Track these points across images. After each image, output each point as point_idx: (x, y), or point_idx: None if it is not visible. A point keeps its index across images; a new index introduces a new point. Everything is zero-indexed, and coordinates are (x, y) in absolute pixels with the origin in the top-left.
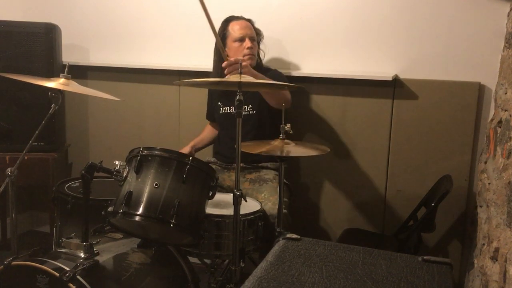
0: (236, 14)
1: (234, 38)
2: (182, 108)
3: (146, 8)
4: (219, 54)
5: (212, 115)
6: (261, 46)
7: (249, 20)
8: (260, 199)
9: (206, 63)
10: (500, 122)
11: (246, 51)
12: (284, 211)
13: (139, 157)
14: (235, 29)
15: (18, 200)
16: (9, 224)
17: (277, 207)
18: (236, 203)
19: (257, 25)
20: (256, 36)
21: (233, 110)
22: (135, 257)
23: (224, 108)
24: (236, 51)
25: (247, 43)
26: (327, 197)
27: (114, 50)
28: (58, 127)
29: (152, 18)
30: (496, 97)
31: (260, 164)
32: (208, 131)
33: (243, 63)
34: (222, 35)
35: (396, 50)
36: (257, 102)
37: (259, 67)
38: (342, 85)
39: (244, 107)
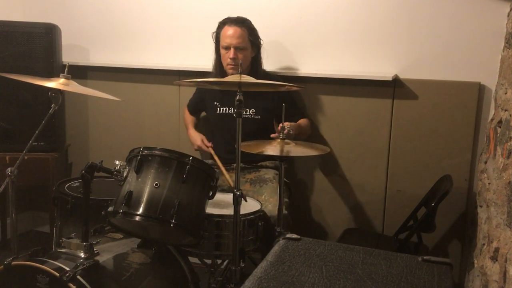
0: (235, 14)
1: (222, 45)
2: (182, 108)
3: (146, 8)
4: (219, 52)
5: (197, 111)
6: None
7: (244, 22)
8: (261, 201)
9: (206, 63)
10: (500, 122)
11: (228, 61)
12: (285, 212)
13: (139, 157)
14: (224, 36)
15: (18, 200)
16: (9, 224)
17: (277, 208)
18: (236, 203)
19: (256, 26)
20: (249, 44)
21: (232, 111)
22: (135, 257)
23: (222, 109)
24: (223, 58)
25: (230, 53)
26: (327, 197)
27: (114, 50)
28: (58, 127)
29: (152, 18)
30: (496, 97)
31: (259, 164)
32: (194, 119)
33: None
34: (216, 38)
35: (396, 50)
36: (261, 107)
37: (256, 72)
38: (342, 85)
39: (246, 110)
